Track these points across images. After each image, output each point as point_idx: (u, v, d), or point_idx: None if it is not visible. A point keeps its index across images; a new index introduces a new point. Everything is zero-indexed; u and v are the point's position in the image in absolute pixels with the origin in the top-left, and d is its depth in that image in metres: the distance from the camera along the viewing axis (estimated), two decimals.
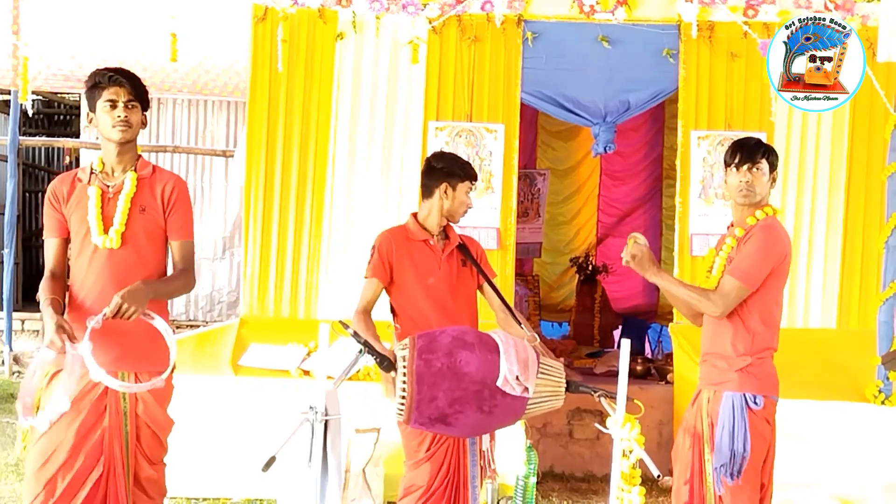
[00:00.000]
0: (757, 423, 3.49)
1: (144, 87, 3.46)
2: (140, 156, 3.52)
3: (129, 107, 3.38)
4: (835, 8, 5.93)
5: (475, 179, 4.03)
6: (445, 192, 3.93)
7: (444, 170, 3.95)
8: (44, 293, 3.32)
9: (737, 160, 3.57)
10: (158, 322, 3.32)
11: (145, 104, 3.45)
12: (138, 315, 3.21)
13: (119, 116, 3.36)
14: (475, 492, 3.70)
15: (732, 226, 3.67)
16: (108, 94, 3.36)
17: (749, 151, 3.57)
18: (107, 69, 3.40)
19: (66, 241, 3.45)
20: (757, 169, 3.55)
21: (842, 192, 6.21)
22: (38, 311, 9.90)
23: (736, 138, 3.82)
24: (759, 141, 3.67)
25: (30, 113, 8.74)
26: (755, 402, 3.48)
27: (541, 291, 9.23)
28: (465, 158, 6.01)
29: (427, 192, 3.99)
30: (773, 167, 3.60)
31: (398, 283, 3.92)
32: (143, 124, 3.47)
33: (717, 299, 3.49)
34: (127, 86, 3.37)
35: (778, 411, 3.63)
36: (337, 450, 3.06)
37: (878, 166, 6.00)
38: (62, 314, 3.26)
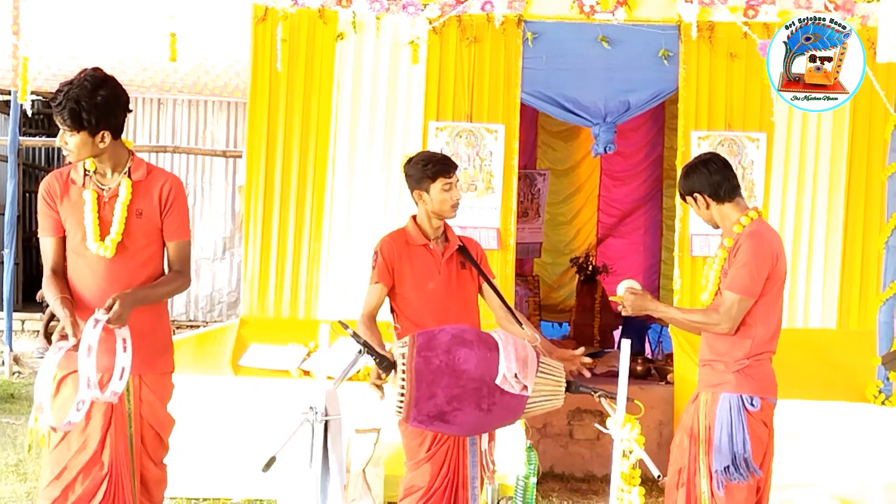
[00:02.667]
0: (754, 424, 3.49)
1: (89, 110, 3.21)
2: (133, 155, 3.44)
3: (67, 134, 3.26)
4: (835, 8, 5.93)
5: (448, 173, 3.88)
6: (421, 197, 3.90)
7: (413, 177, 3.91)
8: (52, 292, 3.29)
9: None
10: (123, 330, 3.23)
11: (95, 127, 3.24)
12: (121, 323, 3.17)
13: (60, 145, 3.32)
14: (475, 492, 3.70)
15: (723, 234, 3.70)
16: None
17: (679, 191, 3.78)
18: (57, 92, 3.24)
19: (64, 239, 3.40)
20: (684, 200, 3.75)
21: (842, 193, 6.20)
22: (38, 311, 9.93)
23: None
24: (685, 174, 3.72)
25: (29, 113, 8.74)
26: (752, 404, 3.49)
27: (541, 292, 9.23)
28: (465, 158, 6.08)
29: (414, 199, 3.99)
30: (692, 195, 3.67)
31: (398, 287, 3.90)
32: (100, 142, 3.28)
33: (722, 318, 3.50)
34: (57, 116, 3.24)
35: (779, 411, 3.64)
36: (338, 450, 3.06)
37: (878, 166, 6.00)
38: (74, 312, 3.22)
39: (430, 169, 3.87)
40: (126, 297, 3.19)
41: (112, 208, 3.36)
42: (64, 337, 3.16)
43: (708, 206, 3.64)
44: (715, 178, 3.62)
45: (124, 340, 3.19)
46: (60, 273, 3.38)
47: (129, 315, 3.18)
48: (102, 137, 3.29)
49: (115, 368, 3.16)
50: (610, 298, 3.79)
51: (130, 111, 3.44)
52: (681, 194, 3.75)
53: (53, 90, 3.34)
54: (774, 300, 3.57)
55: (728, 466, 3.45)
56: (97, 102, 3.22)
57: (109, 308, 3.13)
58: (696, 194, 3.65)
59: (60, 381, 3.37)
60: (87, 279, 3.36)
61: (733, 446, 3.45)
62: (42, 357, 10.11)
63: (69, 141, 3.28)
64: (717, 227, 3.70)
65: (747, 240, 3.53)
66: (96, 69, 3.32)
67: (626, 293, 3.60)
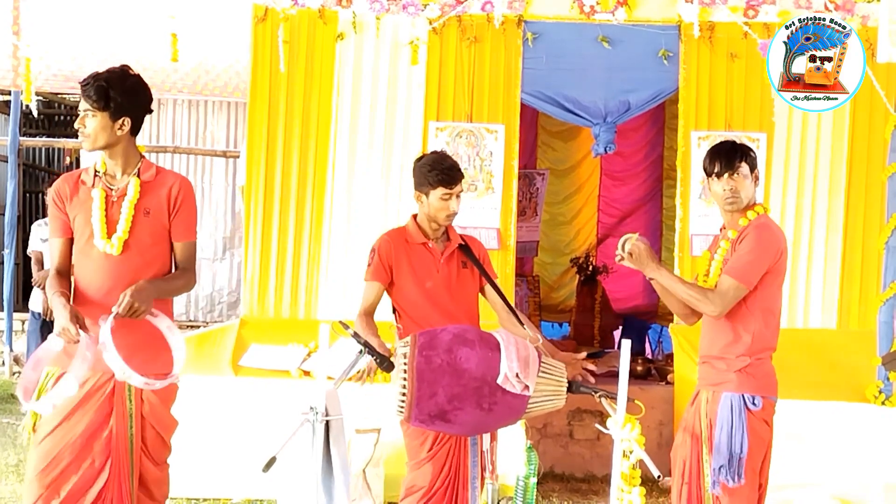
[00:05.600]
0: (755, 423, 3.49)
1: (115, 92, 3.30)
2: (143, 157, 3.48)
3: (89, 116, 3.32)
4: (835, 8, 5.94)
5: (451, 184, 3.84)
6: (420, 199, 3.90)
7: (416, 179, 3.92)
8: (51, 287, 3.32)
9: (717, 169, 3.55)
10: (161, 320, 3.34)
11: (116, 111, 3.31)
12: (145, 314, 3.22)
13: (78, 127, 3.35)
14: (475, 493, 3.70)
15: (724, 228, 3.67)
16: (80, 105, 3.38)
17: (727, 159, 3.54)
18: (86, 77, 3.36)
19: (71, 241, 3.43)
20: (738, 174, 3.53)
21: (842, 193, 6.20)
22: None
23: (737, 138, 3.81)
24: (733, 144, 3.61)
25: (35, 113, 8.73)
26: (753, 403, 3.48)
27: (541, 292, 9.23)
28: (465, 159, 6.08)
29: (414, 198, 3.99)
30: (752, 167, 3.57)
31: (398, 285, 3.91)
32: (122, 129, 3.34)
33: (715, 299, 3.48)
34: (84, 94, 3.32)
35: (778, 411, 3.63)
36: (341, 450, 3.06)
37: (878, 166, 6.00)
38: (70, 302, 3.26)
39: (432, 175, 3.85)
40: (142, 289, 3.22)
41: (120, 207, 3.38)
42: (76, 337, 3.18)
43: (756, 185, 3.60)
44: (756, 157, 3.63)
45: (169, 328, 3.32)
46: (65, 274, 3.42)
47: (151, 303, 3.24)
48: (122, 124, 3.35)
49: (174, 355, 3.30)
50: (618, 249, 3.66)
51: (151, 111, 3.50)
52: (746, 162, 3.53)
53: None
54: (775, 295, 3.56)
55: (723, 466, 3.45)
56: (125, 85, 3.34)
57: (127, 310, 3.17)
58: (756, 173, 3.58)
59: (59, 378, 3.37)
60: (93, 278, 3.37)
61: (731, 446, 3.45)
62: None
63: (89, 124, 3.33)
64: (733, 203, 3.57)
65: (754, 230, 3.51)
66: (125, 66, 3.45)
67: (637, 242, 3.50)
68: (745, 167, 3.54)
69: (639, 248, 3.51)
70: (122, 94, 3.33)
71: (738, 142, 3.67)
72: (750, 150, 3.62)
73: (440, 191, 3.84)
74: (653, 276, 3.57)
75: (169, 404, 3.50)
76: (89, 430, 3.33)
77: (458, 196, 3.88)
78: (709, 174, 3.60)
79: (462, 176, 3.94)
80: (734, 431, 3.45)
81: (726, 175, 3.53)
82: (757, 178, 3.62)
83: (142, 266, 3.39)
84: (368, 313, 3.84)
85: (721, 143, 3.67)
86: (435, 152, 4.14)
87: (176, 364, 3.33)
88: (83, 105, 3.33)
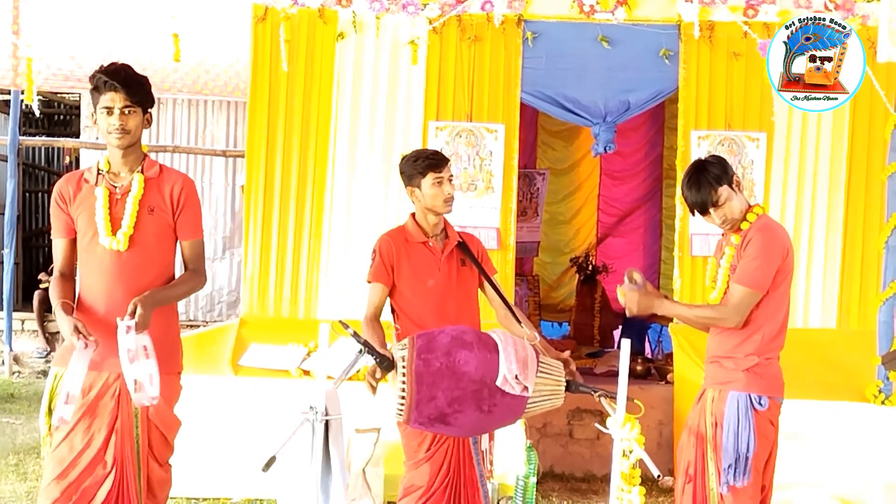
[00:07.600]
0: (761, 423, 3.49)
1: (146, 86, 3.38)
2: (146, 155, 3.49)
3: (126, 112, 3.30)
4: (835, 8, 5.93)
5: (439, 168, 3.86)
6: (414, 193, 3.90)
7: (406, 174, 3.92)
8: (55, 296, 3.31)
9: (699, 211, 3.57)
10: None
11: (148, 105, 3.39)
12: (145, 328, 3.18)
13: (114, 124, 3.30)
14: (485, 489, 3.70)
15: (726, 234, 3.67)
16: (104, 100, 3.29)
17: (702, 202, 3.53)
18: (104, 71, 3.31)
19: (75, 241, 3.41)
20: (716, 207, 3.53)
21: (842, 192, 6.21)
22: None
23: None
24: (699, 182, 3.52)
25: (37, 113, 8.73)
26: (760, 403, 3.48)
27: (541, 291, 9.23)
28: (465, 158, 6.08)
29: (409, 197, 3.99)
30: (729, 182, 3.52)
31: (398, 285, 3.90)
32: (148, 124, 3.42)
33: (731, 312, 3.48)
34: (122, 91, 3.28)
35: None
36: (339, 450, 3.06)
37: (878, 166, 6.01)
38: (74, 313, 3.25)
39: (420, 164, 3.87)
40: (146, 301, 3.19)
41: (124, 205, 3.37)
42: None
43: (741, 189, 3.56)
44: (727, 166, 3.58)
45: (145, 347, 3.19)
46: (68, 275, 3.40)
47: (150, 319, 3.19)
48: (149, 118, 3.42)
49: (143, 376, 3.16)
50: (619, 299, 3.68)
51: None
52: (718, 188, 3.50)
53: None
54: (783, 295, 3.56)
55: (731, 465, 3.45)
56: (144, 79, 3.41)
57: (133, 313, 3.14)
58: (734, 179, 3.54)
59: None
60: (97, 277, 3.36)
61: (738, 445, 3.44)
62: (42, 357, 10.12)
63: (130, 120, 3.33)
64: (731, 227, 3.58)
65: (758, 234, 3.51)
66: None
67: (629, 293, 3.52)
68: (722, 193, 3.51)
69: (633, 299, 3.49)
70: (150, 90, 3.40)
71: (700, 171, 3.55)
72: (717, 168, 3.54)
73: (431, 176, 3.85)
74: (664, 312, 3.62)
75: (172, 404, 3.50)
76: (102, 432, 3.32)
77: (449, 181, 3.90)
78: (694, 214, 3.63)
79: (448, 160, 3.96)
80: (740, 430, 3.45)
81: (711, 210, 3.56)
82: (739, 183, 3.58)
83: (145, 265, 3.38)
84: (375, 317, 3.81)
85: (689, 181, 3.57)
86: (415, 149, 4.18)
87: (153, 387, 3.22)
88: (119, 101, 3.28)
